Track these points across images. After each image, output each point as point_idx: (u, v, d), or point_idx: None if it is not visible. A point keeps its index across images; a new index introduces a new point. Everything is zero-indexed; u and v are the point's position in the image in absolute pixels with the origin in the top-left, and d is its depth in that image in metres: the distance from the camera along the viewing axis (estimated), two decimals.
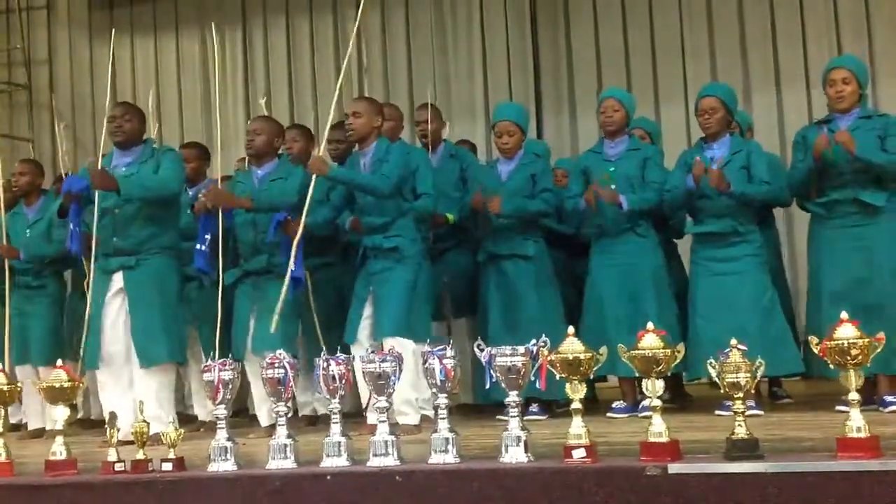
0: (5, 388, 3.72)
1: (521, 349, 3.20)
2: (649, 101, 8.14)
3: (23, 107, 9.88)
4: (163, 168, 5.05)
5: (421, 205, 5.04)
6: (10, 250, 5.85)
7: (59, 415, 3.65)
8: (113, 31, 5.96)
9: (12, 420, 6.05)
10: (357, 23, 5.33)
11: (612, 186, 5.14)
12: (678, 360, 3.07)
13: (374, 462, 3.27)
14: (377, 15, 9.20)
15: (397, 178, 4.89)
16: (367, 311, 4.87)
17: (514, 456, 3.12)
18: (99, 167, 4.97)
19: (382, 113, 5.10)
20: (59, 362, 3.77)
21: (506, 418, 3.25)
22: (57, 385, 3.63)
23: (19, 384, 3.92)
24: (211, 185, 5.22)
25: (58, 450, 3.60)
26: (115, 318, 5.00)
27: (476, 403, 5.63)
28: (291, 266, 4.80)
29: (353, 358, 3.64)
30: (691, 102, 7.95)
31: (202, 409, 5.72)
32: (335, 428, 3.39)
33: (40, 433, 5.97)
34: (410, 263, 4.87)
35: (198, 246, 5.03)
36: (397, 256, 4.84)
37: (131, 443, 3.64)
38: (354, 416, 4.80)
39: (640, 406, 4.87)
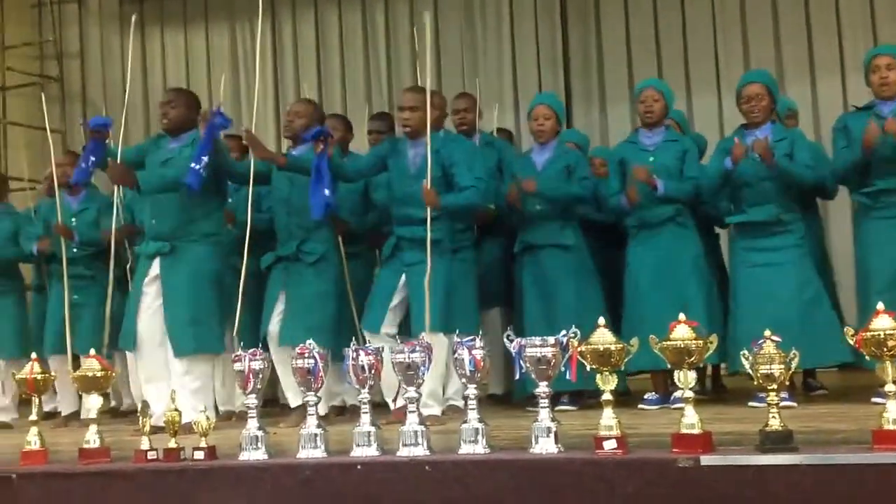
0: (39, 377, 3.75)
1: (551, 340, 3.19)
2: (681, 93, 8.06)
3: (55, 99, 9.96)
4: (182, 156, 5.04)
5: (467, 197, 4.98)
6: (66, 231, 5.92)
7: (93, 403, 3.69)
8: (129, 20, 5.90)
9: (46, 408, 6.13)
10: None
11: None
12: (711, 352, 3.04)
13: (404, 452, 3.27)
14: (406, 8, 9.19)
15: (483, 188, 4.92)
16: (395, 301, 4.85)
17: (545, 447, 3.11)
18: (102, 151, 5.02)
19: (439, 105, 5.02)
20: (93, 351, 3.81)
21: (535, 409, 3.24)
22: (90, 374, 3.67)
23: (53, 374, 3.95)
24: (249, 132, 5.11)
25: (91, 438, 3.63)
26: (150, 303, 5.02)
27: (506, 393, 5.63)
28: (326, 191, 4.78)
29: (382, 349, 3.63)
30: (724, 94, 7.97)
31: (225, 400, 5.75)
32: (365, 417, 3.39)
33: (72, 417, 6.03)
34: (448, 256, 4.84)
35: (193, 164, 4.88)
36: (437, 250, 4.79)
37: (163, 430, 3.66)
38: (378, 405, 4.81)
39: (672, 398, 4.84)
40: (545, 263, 5.23)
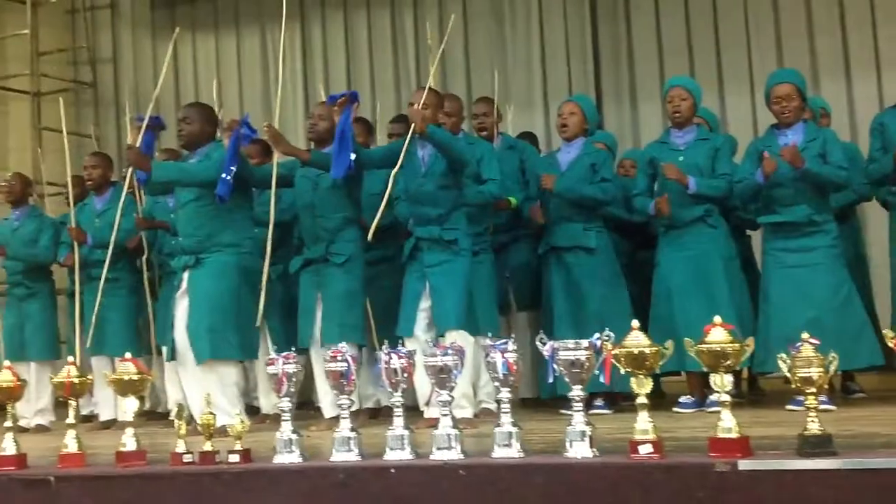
0: (76, 380, 3.78)
1: (585, 343, 3.17)
2: (713, 90, 8.01)
3: (88, 104, 10.06)
4: (210, 158, 5.11)
5: (487, 189, 5.03)
6: (79, 234, 5.98)
7: (129, 406, 3.71)
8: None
9: (83, 412, 6.19)
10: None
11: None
12: (748, 355, 3.01)
13: (438, 455, 3.26)
14: (435, 9, 9.18)
15: (470, 156, 4.87)
16: (423, 304, 4.86)
17: (579, 451, 3.09)
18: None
19: (443, 105, 5.07)
20: (128, 354, 3.84)
21: (569, 412, 3.22)
22: (126, 377, 3.69)
23: (90, 377, 3.98)
24: (272, 129, 5.11)
25: (128, 441, 3.66)
26: (182, 315, 5.11)
27: (536, 398, 5.61)
28: (352, 155, 4.80)
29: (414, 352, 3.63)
30: (757, 90, 7.87)
31: (267, 401, 5.78)
32: (398, 421, 3.39)
33: (111, 424, 6.09)
34: (466, 256, 4.84)
35: (223, 175, 4.96)
36: (455, 249, 4.81)
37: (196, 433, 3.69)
38: (410, 409, 4.81)
39: (708, 401, 4.80)
40: (571, 266, 5.24)
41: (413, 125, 4.76)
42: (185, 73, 9.88)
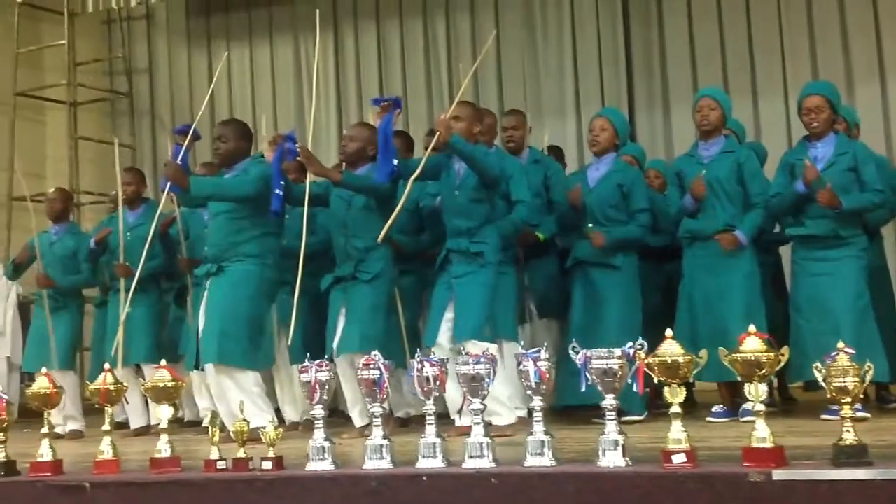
0: (112, 387, 3.83)
1: (618, 352, 3.16)
2: (747, 98, 7.97)
3: (125, 114, 10.18)
4: (247, 174, 5.18)
5: (518, 215, 5.05)
6: (127, 270, 6.03)
7: (164, 413, 3.75)
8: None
9: (116, 419, 6.25)
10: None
11: (707, 191, 5.03)
12: (782, 365, 2.99)
13: (470, 464, 3.27)
14: (466, 15, 9.20)
15: (500, 169, 4.87)
16: (448, 314, 4.86)
17: (612, 460, 3.08)
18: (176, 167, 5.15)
19: (482, 119, 5.08)
20: (163, 362, 3.88)
21: (601, 421, 3.21)
22: (161, 385, 3.73)
23: (124, 384, 4.03)
24: (304, 149, 5.16)
25: (162, 448, 3.69)
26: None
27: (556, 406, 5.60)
28: (395, 161, 4.88)
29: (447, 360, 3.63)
30: (791, 98, 7.82)
31: (292, 410, 5.80)
32: (430, 429, 3.39)
33: (144, 431, 6.15)
34: (491, 269, 4.85)
35: (276, 190, 5.04)
36: (481, 262, 4.83)
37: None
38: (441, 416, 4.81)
39: (741, 410, 4.77)
40: (594, 281, 5.25)
41: (437, 134, 4.78)
42: (219, 83, 9.93)
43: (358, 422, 5.02)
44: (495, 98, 8.83)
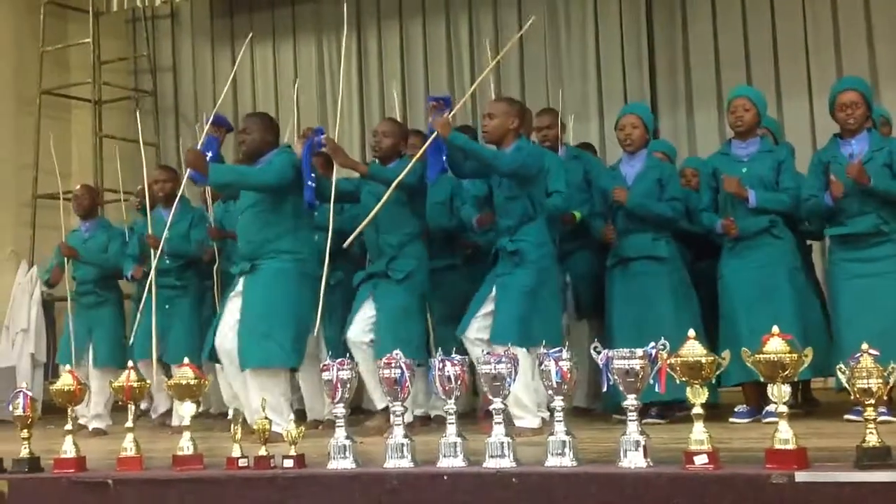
0: (136, 384, 3.85)
1: (639, 352, 3.15)
2: (771, 99, 7.87)
3: (149, 113, 10.22)
4: (270, 164, 5.16)
5: (553, 202, 5.03)
6: (156, 240, 6.06)
7: (187, 411, 3.77)
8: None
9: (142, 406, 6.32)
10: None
11: (746, 187, 5.01)
12: (805, 366, 2.97)
13: (491, 463, 3.27)
14: (489, 15, 9.19)
15: (517, 164, 4.81)
16: (486, 308, 4.84)
17: (633, 461, 3.07)
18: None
19: (520, 114, 5.05)
20: (186, 360, 3.91)
21: (623, 418, 3.20)
22: (184, 382, 3.75)
23: (148, 382, 4.05)
24: (330, 140, 5.19)
25: (185, 445, 3.72)
26: (229, 318, 5.15)
27: (589, 408, 5.59)
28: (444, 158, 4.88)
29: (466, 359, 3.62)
30: (816, 99, 7.77)
31: (314, 407, 5.82)
32: (451, 428, 3.40)
33: (167, 417, 6.22)
34: (532, 268, 4.82)
35: (308, 182, 5.06)
36: (517, 260, 4.80)
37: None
38: (466, 415, 4.82)
39: (764, 411, 4.73)
40: (639, 276, 5.17)
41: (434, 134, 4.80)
42: (243, 82, 10.00)
43: (379, 405, 5.00)
44: (517, 97, 8.79)
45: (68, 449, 3.82)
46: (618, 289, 5.23)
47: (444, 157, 4.92)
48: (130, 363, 4.05)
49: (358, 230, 5.01)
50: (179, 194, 5.98)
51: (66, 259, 6.60)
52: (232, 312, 5.15)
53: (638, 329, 4.96)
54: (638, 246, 5.17)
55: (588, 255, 5.63)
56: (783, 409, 2.94)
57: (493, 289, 4.85)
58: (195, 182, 5.55)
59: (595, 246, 5.57)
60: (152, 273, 5.81)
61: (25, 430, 3.87)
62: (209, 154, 5.21)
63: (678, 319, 4.90)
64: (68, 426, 3.87)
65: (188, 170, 5.19)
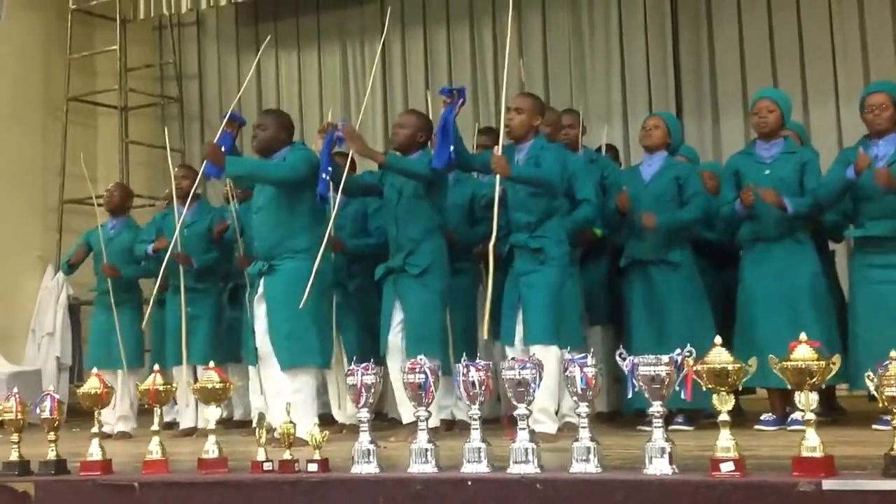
0: (161, 388, 3.87)
1: (665, 358, 3.13)
2: (797, 103, 7.83)
3: (174, 119, 10.31)
4: (284, 159, 5.17)
5: (583, 214, 5.03)
6: (186, 258, 6.12)
7: (212, 414, 3.79)
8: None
9: (166, 419, 6.33)
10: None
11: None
12: (833, 373, 2.95)
13: (515, 469, 3.26)
14: (514, 21, 9.17)
15: (558, 176, 4.84)
16: (520, 315, 4.82)
17: (659, 467, 3.05)
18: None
19: (543, 113, 5.05)
20: (212, 363, 3.92)
21: (648, 428, 3.19)
22: (210, 386, 3.77)
23: (174, 385, 4.07)
24: (347, 126, 5.16)
25: (210, 448, 3.73)
26: (260, 323, 5.17)
27: (613, 412, 5.58)
28: (451, 148, 4.84)
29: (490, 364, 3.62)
30: (843, 103, 7.71)
31: (341, 411, 5.82)
32: (475, 434, 3.39)
33: (191, 432, 6.22)
34: (556, 266, 4.81)
35: (322, 175, 5.02)
36: (542, 258, 4.79)
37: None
38: (491, 421, 4.81)
39: (790, 419, 4.70)
40: (653, 280, 5.17)
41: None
42: (267, 88, 10.07)
43: (407, 419, 5.01)
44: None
45: (94, 452, 3.84)
46: (634, 293, 5.23)
47: (451, 147, 4.85)
48: (157, 367, 4.07)
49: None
50: (192, 192, 6.02)
51: (89, 250, 6.63)
52: (261, 318, 5.17)
53: (654, 335, 4.98)
54: (652, 249, 5.17)
55: (599, 260, 5.62)
56: (810, 416, 2.91)
57: (520, 291, 4.82)
58: (208, 177, 5.56)
59: (605, 251, 5.56)
60: (181, 281, 5.85)
61: (52, 433, 3.89)
62: (223, 148, 5.21)
63: (691, 328, 4.91)
64: (94, 429, 3.89)
65: (204, 162, 5.20)
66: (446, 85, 9.32)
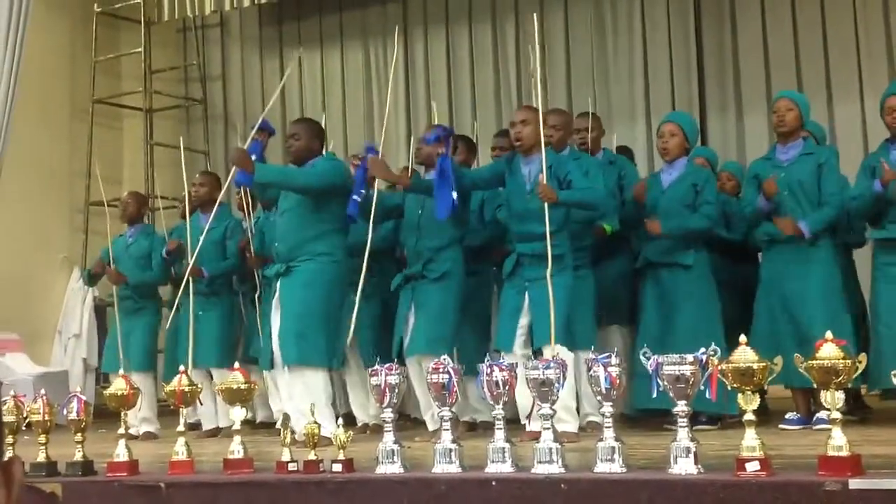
0: (187, 389, 3.90)
1: (690, 357, 3.12)
2: (822, 102, 7.79)
3: (199, 120, 10.36)
4: (314, 168, 5.22)
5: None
6: (197, 271, 6.12)
7: (237, 415, 3.81)
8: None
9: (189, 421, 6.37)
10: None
11: (785, 192, 4.97)
12: (859, 372, 2.93)
13: (539, 469, 3.26)
14: (536, 18, 9.15)
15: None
16: (523, 320, 4.84)
17: (684, 467, 3.04)
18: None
19: (548, 122, 5.05)
20: (237, 364, 3.95)
21: (673, 428, 3.17)
22: (234, 387, 3.79)
23: (199, 386, 4.10)
24: (372, 156, 5.23)
25: (235, 449, 3.75)
26: (277, 325, 5.18)
27: (626, 413, 5.55)
28: (454, 194, 4.87)
29: (516, 366, 3.63)
30: (867, 102, 7.64)
31: (362, 412, 5.84)
32: (499, 434, 3.39)
33: (215, 433, 6.25)
34: (569, 271, 4.83)
35: (353, 196, 5.12)
36: (558, 266, 4.79)
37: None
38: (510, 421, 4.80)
39: (815, 418, 4.67)
40: (665, 282, 5.18)
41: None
42: (290, 89, 10.07)
43: (431, 426, 5.02)
44: (564, 101, 8.76)
45: (121, 452, 3.87)
46: (647, 293, 5.24)
47: (454, 193, 4.88)
48: (182, 367, 4.10)
49: None
50: (218, 200, 6.05)
51: (110, 259, 6.69)
52: (278, 320, 5.18)
53: (660, 336, 4.96)
54: (666, 251, 5.16)
55: (614, 261, 5.60)
56: (836, 415, 2.89)
57: (526, 296, 4.83)
58: (239, 184, 5.60)
59: (622, 252, 5.56)
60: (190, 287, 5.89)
61: (79, 434, 3.93)
62: (253, 156, 5.25)
63: (698, 330, 4.88)
64: (121, 430, 3.92)
65: (234, 168, 5.24)
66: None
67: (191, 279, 6.07)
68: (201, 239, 6.21)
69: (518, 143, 4.95)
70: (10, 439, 4.04)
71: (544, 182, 4.69)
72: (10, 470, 1.18)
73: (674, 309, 5.10)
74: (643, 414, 5.00)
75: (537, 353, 4.61)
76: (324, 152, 5.48)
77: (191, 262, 6.04)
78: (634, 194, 5.29)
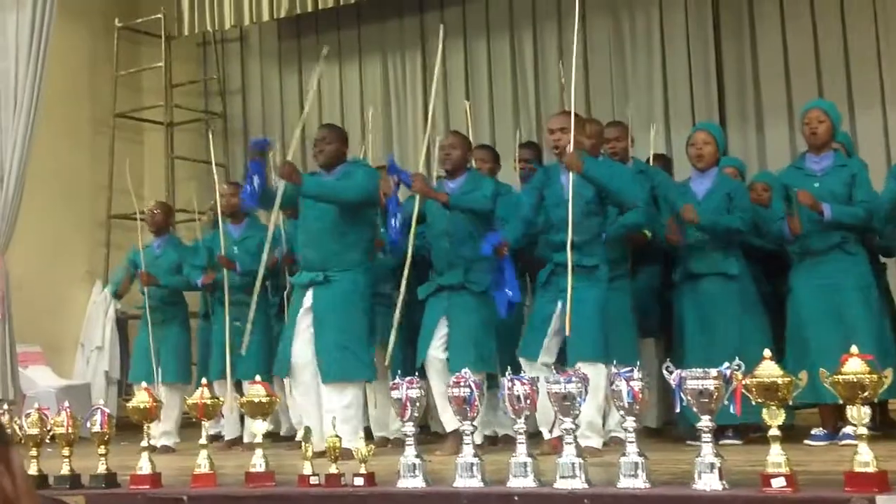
0: (209, 402, 3.91)
1: (713, 371, 3.10)
2: (843, 112, 7.64)
3: (218, 134, 10.39)
4: (351, 177, 5.22)
5: (633, 219, 4.95)
6: (228, 262, 6.19)
7: (258, 428, 3.81)
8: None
9: (210, 432, 6.37)
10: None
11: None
12: (886, 387, 2.90)
13: (562, 484, 3.24)
14: (553, 30, 9.17)
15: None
16: (551, 328, 4.80)
17: (708, 483, 3.02)
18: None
19: (585, 130, 5.04)
20: (258, 377, 3.95)
21: (696, 443, 3.15)
22: (256, 400, 3.80)
23: (221, 399, 4.11)
24: (415, 173, 5.28)
25: (257, 462, 3.76)
26: (303, 331, 5.17)
27: (662, 427, 5.52)
28: (508, 292, 4.85)
29: (538, 379, 3.61)
30: (889, 110, 7.59)
31: (380, 426, 5.82)
32: (521, 448, 3.38)
33: (238, 442, 6.26)
34: (604, 282, 4.80)
35: (392, 222, 5.19)
36: (593, 278, 4.77)
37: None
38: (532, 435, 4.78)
39: (841, 433, 4.62)
40: (708, 293, 5.10)
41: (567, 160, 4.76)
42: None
43: (449, 427, 4.98)
44: (582, 111, 8.73)
45: (144, 465, 3.88)
46: (687, 305, 5.16)
47: (509, 292, 4.87)
48: (204, 381, 4.11)
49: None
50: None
51: (134, 272, 6.71)
52: (307, 326, 5.17)
53: (706, 348, 4.90)
54: (708, 262, 5.11)
55: (651, 272, 5.57)
56: (863, 430, 2.86)
57: (558, 306, 4.79)
58: (246, 207, 5.67)
59: (659, 263, 5.51)
60: (226, 296, 5.90)
61: (102, 447, 3.94)
62: (257, 180, 5.18)
63: (745, 339, 4.84)
64: (144, 443, 3.93)
65: (283, 183, 5.21)
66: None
67: (225, 288, 6.09)
68: (230, 247, 6.25)
69: (556, 150, 4.93)
70: (33, 452, 4.07)
71: (571, 150, 4.68)
72: (8, 456, 1.15)
73: (719, 319, 5.04)
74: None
75: (558, 366, 4.58)
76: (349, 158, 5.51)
77: (225, 275, 6.06)
78: (686, 218, 5.15)
